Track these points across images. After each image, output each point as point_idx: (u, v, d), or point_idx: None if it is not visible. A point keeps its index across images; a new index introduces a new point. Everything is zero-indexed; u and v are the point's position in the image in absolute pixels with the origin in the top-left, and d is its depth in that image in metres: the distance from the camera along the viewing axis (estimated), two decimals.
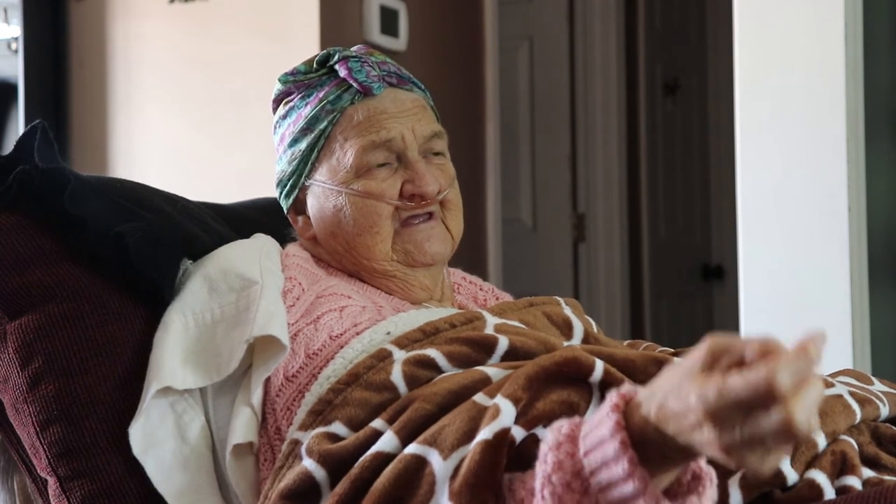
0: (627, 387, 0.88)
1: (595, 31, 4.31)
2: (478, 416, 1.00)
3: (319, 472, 1.05)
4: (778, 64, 2.23)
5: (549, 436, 0.89)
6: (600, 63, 4.32)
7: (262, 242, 1.42)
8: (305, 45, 3.05)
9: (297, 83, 1.41)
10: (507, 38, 4.09)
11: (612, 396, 0.86)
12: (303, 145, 1.39)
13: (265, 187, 1.62)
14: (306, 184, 1.41)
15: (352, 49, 1.42)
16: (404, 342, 1.18)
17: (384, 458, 1.02)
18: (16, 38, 3.34)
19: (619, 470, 0.83)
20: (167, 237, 1.37)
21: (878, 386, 1.23)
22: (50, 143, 1.39)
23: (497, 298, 1.52)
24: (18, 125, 3.36)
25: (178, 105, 3.27)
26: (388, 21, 3.27)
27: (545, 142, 4.32)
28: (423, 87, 1.44)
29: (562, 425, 0.89)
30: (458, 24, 3.74)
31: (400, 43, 3.32)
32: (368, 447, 1.04)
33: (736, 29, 2.26)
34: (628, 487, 0.82)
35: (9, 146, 1.40)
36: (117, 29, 3.32)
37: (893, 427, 1.16)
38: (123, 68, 3.32)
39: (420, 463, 0.99)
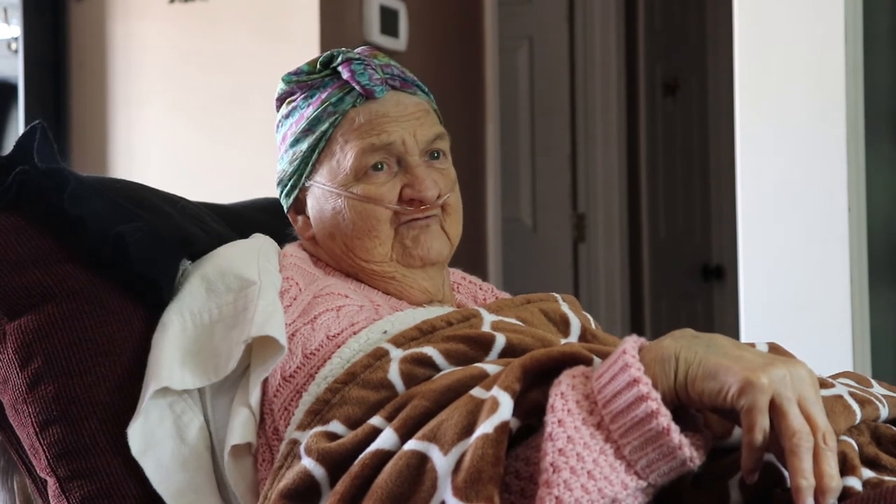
0: (638, 338, 0.99)
1: (595, 31, 4.31)
2: (475, 410, 1.00)
3: (319, 471, 1.05)
4: (778, 64, 2.22)
5: (562, 378, 0.99)
6: (600, 63, 4.32)
7: (260, 243, 1.42)
8: (305, 44, 3.05)
9: (301, 83, 1.41)
10: (507, 39, 4.09)
11: (626, 342, 0.97)
12: (304, 146, 1.39)
13: (265, 187, 1.62)
14: (306, 184, 1.40)
15: (356, 51, 1.41)
16: (401, 340, 1.18)
17: (384, 456, 1.02)
18: (16, 38, 3.34)
19: (625, 378, 0.93)
20: (167, 237, 1.36)
21: (878, 389, 1.22)
22: (49, 143, 1.39)
23: (496, 298, 1.52)
24: (18, 125, 3.36)
25: (178, 105, 3.27)
26: (388, 21, 3.27)
27: (545, 142, 4.32)
28: (426, 90, 1.43)
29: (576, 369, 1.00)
30: (458, 24, 3.74)
31: (400, 43, 3.32)
32: (367, 445, 1.04)
33: (736, 29, 2.26)
34: (633, 391, 0.92)
35: (9, 146, 1.40)
36: (117, 29, 3.32)
37: (893, 427, 1.15)
38: (123, 68, 3.32)
39: (421, 459, 0.99)
